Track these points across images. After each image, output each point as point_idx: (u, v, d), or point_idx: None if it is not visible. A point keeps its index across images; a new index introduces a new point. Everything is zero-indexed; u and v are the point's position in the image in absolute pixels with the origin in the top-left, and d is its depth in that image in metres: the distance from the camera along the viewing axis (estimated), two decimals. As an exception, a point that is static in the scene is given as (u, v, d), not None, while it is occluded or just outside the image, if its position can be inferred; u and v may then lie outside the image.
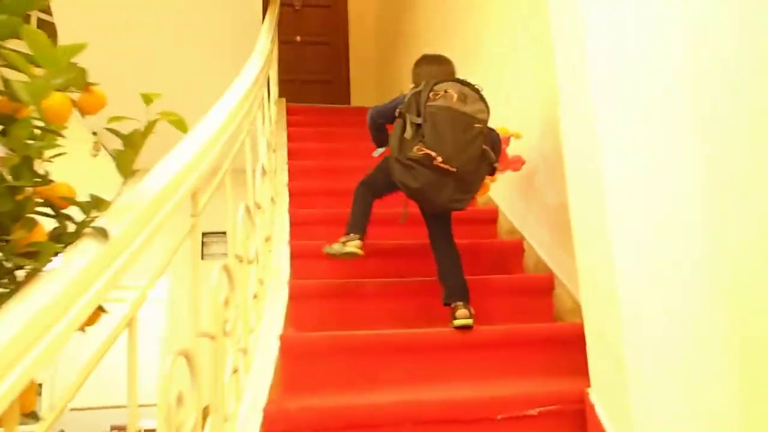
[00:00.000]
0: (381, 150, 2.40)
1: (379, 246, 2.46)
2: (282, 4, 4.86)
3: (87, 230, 0.86)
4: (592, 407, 1.58)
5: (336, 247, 2.17)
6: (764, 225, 1.36)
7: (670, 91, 1.54)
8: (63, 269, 0.78)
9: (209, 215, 1.44)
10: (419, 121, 2.01)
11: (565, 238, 2.24)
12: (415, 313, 2.22)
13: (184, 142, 1.30)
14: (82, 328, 0.80)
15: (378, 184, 2.31)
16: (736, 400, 1.42)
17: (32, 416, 0.76)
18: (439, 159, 1.95)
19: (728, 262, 1.45)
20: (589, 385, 1.61)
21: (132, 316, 0.91)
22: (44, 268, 0.78)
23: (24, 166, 0.80)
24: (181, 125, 0.99)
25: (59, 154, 0.89)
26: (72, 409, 4.92)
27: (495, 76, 2.91)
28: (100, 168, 5.09)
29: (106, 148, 3.78)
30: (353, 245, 2.15)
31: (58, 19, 3.75)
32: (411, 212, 2.26)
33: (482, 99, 2.08)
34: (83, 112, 0.90)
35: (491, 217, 2.89)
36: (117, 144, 0.93)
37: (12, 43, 0.85)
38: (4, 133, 0.81)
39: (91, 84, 0.90)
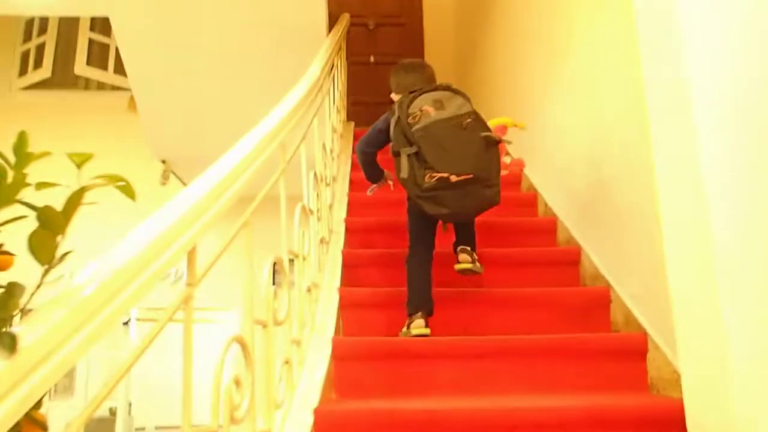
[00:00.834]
0: (374, 186, 2.43)
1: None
2: (353, 24, 4.69)
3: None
4: None
5: (402, 333, 2.06)
6: None
7: None
8: None
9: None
10: (414, 150, 1.97)
11: (660, 288, 1.87)
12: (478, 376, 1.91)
13: (173, 202, 1.06)
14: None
15: (420, 237, 2.19)
16: None
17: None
18: (453, 177, 1.91)
19: None
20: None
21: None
22: None
23: None
24: (128, 191, 0.75)
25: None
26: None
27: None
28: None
29: (176, 175, 3.62)
30: (417, 327, 2.00)
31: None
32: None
33: (457, 92, 2.07)
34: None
35: (573, 258, 2.52)
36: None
37: None
38: None
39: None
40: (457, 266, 2.18)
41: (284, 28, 3.65)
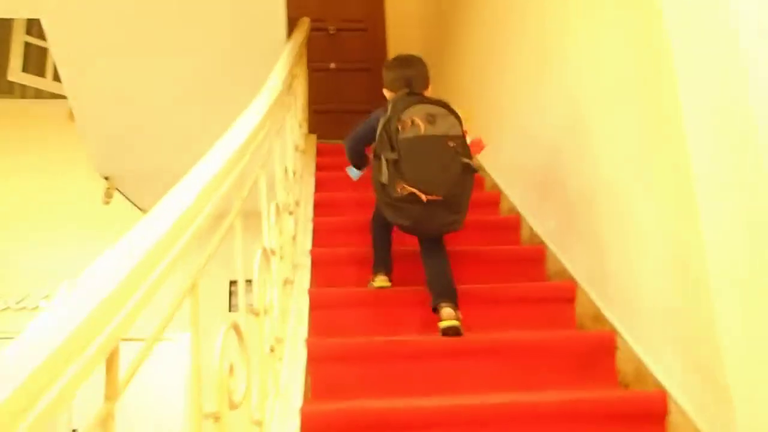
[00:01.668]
0: (359, 172, 2.38)
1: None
2: (313, 29, 4.36)
3: None
4: None
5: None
6: None
7: None
8: None
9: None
10: (395, 156, 1.94)
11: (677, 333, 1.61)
12: None
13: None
14: None
15: (383, 215, 2.11)
16: None
17: None
18: (423, 197, 1.90)
19: None
20: None
21: None
22: None
23: None
24: None
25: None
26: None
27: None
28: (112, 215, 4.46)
29: (122, 193, 3.17)
30: (380, 280, 2.18)
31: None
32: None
33: (452, 112, 2.03)
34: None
35: (567, 296, 2.24)
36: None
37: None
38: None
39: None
40: (442, 324, 1.93)
41: (239, 32, 3.30)
